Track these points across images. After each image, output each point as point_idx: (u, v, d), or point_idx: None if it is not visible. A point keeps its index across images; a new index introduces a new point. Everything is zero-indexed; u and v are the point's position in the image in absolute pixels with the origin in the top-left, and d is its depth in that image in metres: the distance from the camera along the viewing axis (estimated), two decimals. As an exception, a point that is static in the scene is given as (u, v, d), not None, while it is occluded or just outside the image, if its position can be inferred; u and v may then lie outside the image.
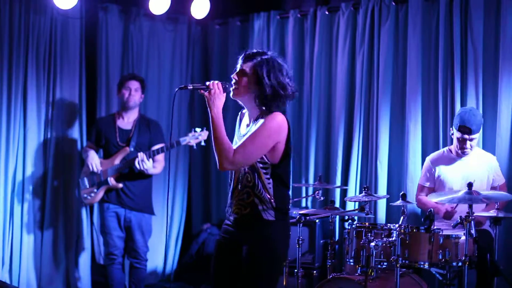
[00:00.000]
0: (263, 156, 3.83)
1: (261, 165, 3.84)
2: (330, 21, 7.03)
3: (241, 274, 3.89)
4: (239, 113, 4.14)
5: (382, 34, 6.58)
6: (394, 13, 6.56)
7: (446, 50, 6.23)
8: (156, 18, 7.54)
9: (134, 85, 6.47)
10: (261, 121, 3.84)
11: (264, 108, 3.88)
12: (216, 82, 3.86)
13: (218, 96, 3.81)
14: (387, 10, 6.58)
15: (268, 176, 3.85)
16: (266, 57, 3.89)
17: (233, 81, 3.91)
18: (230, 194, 3.97)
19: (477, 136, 5.57)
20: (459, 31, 6.15)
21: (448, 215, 5.50)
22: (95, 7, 7.31)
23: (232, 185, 3.96)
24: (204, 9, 7.28)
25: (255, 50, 3.95)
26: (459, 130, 5.50)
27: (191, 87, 3.89)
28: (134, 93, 6.47)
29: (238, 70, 3.92)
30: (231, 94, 3.91)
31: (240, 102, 3.98)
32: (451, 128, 5.67)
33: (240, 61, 3.94)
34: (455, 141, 5.62)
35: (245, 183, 3.88)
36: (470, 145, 5.54)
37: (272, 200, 3.85)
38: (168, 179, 4.22)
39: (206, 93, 3.81)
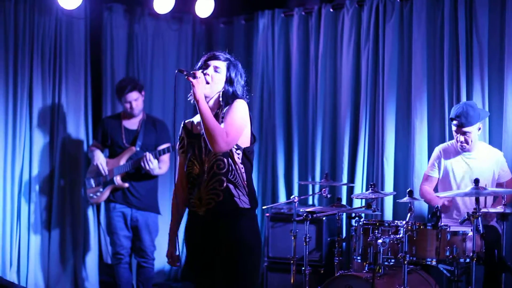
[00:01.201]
0: None
1: (235, 149, 3.94)
2: (334, 18, 7.02)
3: (221, 269, 3.92)
4: (182, 122, 4.21)
5: (387, 31, 6.58)
6: (399, 9, 6.55)
7: (451, 46, 6.22)
8: (161, 17, 7.55)
9: (133, 96, 6.43)
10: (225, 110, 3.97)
11: (223, 104, 4.01)
12: (202, 72, 3.97)
13: (203, 85, 3.92)
14: (391, 6, 6.57)
15: (240, 161, 3.96)
16: (233, 59, 4.09)
17: (206, 77, 3.99)
18: (197, 187, 3.98)
19: (472, 130, 5.47)
20: (464, 27, 6.14)
21: (445, 209, 5.49)
22: (100, 7, 7.32)
23: (198, 179, 3.98)
24: (208, 8, 7.27)
25: (222, 51, 4.11)
26: (451, 122, 5.52)
27: (186, 73, 3.92)
28: (135, 103, 6.45)
29: (212, 66, 4.03)
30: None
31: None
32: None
33: (207, 58, 4.07)
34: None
35: (216, 171, 3.93)
36: (465, 139, 5.49)
37: (246, 186, 3.96)
38: (174, 178, 4.21)
39: (194, 80, 3.88)
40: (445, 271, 5.12)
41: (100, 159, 6.49)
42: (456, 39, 6.19)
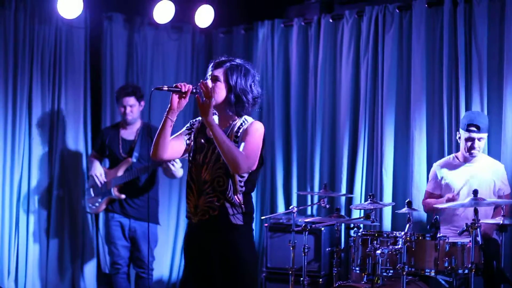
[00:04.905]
0: None
1: None
2: (334, 28, 7.03)
3: (219, 284, 3.89)
4: (194, 120, 4.13)
5: (386, 42, 6.58)
6: (398, 20, 6.55)
7: (451, 57, 6.23)
8: (161, 27, 7.55)
9: (129, 101, 6.40)
10: (241, 128, 3.89)
11: (232, 113, 3.92)
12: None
13: (210, 106, 3.77)
14: (391, 17, 6.58)
15: (242, 184, 3.88)
16: (235, 63, 3.93)
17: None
18: (196, 197, 3.92)
19: (485, 137, 5.54)
20: (463, 38, 6.15)
21: (451, 200, 5.48)
22: (100, 17, 7.33)
23: (197, 187, 3.91)
24: (208, 17, 7.28)
25: (223, 57, 3.99)
26: (467, 129, 5.47)
27: (166, 88, 3.87)
28: (130, 109, 6.41)
29: (211, 76, 3.93)
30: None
31: (213, 110, 3.93)
32: (458, 132, 5.66)
33: (210, 69, 3.96)
34: (462, 145, 5.58)
35: (215, 186, 3.86)
36: (479, 146, 5.51)
37: (243, 206, 3.88)
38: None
39: (200, 104, 3.78)
40: (443, 282, 5.12)
41: (97, 170, 6.48)
42: (455, 50, 6.20)
